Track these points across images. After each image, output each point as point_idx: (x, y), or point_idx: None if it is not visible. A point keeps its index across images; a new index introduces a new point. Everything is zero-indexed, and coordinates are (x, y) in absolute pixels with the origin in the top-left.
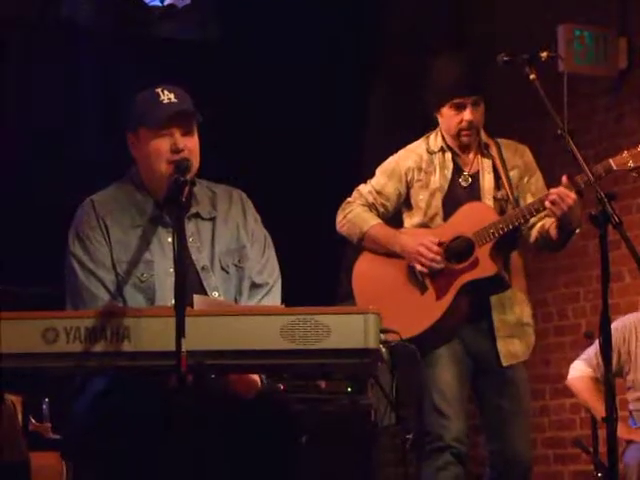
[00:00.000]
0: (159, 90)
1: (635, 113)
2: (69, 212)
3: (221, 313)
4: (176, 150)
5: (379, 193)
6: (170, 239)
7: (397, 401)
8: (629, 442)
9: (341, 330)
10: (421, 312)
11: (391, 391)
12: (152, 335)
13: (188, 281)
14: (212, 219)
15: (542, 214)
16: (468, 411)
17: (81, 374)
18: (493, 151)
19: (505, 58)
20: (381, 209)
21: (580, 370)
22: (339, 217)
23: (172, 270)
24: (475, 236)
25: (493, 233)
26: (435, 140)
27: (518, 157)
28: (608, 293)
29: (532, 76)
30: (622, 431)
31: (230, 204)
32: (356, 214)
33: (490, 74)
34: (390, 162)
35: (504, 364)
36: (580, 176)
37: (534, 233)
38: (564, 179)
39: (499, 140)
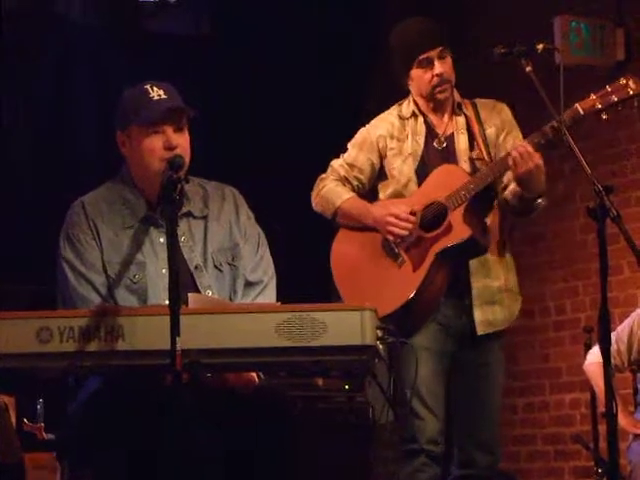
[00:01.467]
0: (148, 86)
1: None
2: (64, 209)
3: (216, 311)
4: (169, 147)
5: (351, 166)
6: (162, 239)
7: (395, 398)
8: (636, 436)
9: (337, 327)
10: (397, 287)
11: (389, 388)
12: (146, 334)
13: (181, 281)
14: (204, 217)
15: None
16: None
17: (75, 374)
18: (468, 110)
19: (502, 50)
20: (355, 182)
21: (599, 356)
22: (313, 194)
23: (164, 271)
24: (447, 200)
25: (464, 195)
26: (407, 106)
27: (495, 115)
28: (607, 287)
29: (528, 68)
30: (628, 424)
31: (222, 202)
32: (329, 189)
33: (489, 67)
34: (361, 133)
35: (479, 333)
36: (549, 126)
37: (507, 195)
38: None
39: (476, 100)
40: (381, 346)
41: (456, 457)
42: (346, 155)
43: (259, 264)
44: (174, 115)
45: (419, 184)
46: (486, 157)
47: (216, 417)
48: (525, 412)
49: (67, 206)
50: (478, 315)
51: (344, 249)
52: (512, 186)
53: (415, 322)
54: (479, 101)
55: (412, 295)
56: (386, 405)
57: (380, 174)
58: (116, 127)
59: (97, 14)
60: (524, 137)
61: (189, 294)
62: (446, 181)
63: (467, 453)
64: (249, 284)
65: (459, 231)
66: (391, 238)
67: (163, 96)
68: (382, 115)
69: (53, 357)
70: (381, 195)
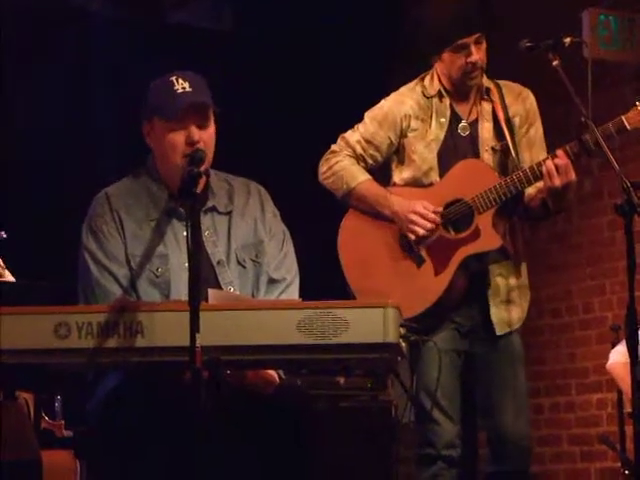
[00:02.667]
0: (173, 78)
1: None
2: (87, 202)
3: (236, 307)
4: (191, 143)
5: (368, 142)
6: (185, 232)
7: (417, 397)
8: None
9: (360, 324)
10: (418, 290)
11: (411, 387)
12: (166, 330)
13: (203, 276)
14: (229, 213)
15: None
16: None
17: (94, 370)
18: (494, 95)
19: (528, 44)
20: (370, 160)
21: (624, 354)
22: (323, 168)
23: (187, 265)
24: (475, 201)
25: (495, 199)
26: (431, 83)
27: (520, 102)
28: (634, 285)
29: (555, 62)
30: None
31: (248, 198)
32: (343, 166)
33: (512, 59)
34: (382, 107)
35: (498, 333)
36: (589, 135)
37: (529, 200)
38: (560, 151)
39: (501, 82)
40: (404, 344)
41: (489, 454)
42: (363, 129)
43: (283, 262)
44: (197, 109)
45: (440, 172)
46: (512, 149)
47: (235, 416)
48: (551, 412)
49: (83, 204)
50: (495, 314)
51: (355, 236)
52: (533, 190)
53: (431, 324)
54: (504, 84)
55: (439, 297)
56: (408, 404)
57: (396, 154)
58: (142, 117)
59: (117, 6)
60: (547, 134)
61: (209, 290)
62: (472, 178)
63: (500, 447)
64: (272, 281)
65: (489, 239)
66: (412, 237)
67: (188, 89)
68: (404, 90)
69: (71, 353)
70: (396, 177)
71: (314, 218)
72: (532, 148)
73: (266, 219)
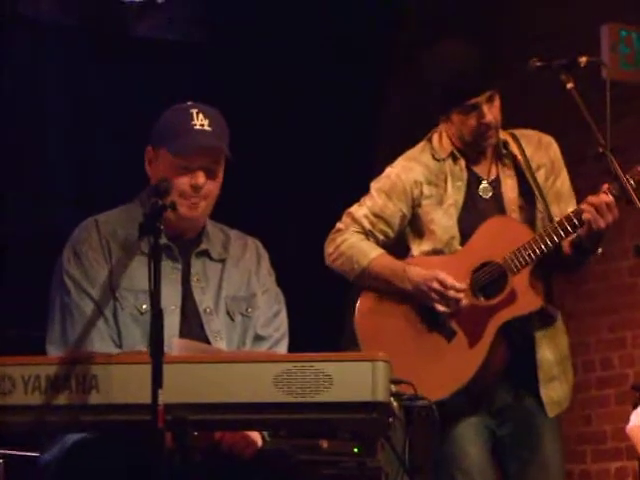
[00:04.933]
0: (194, 112)
1: None
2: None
3: (205, 360)
4: (195, 188)
5: (378, 217)
6: (174, 276)
7: (411, 465)
8: None
9: (345, 380)
10: (451, 367)
11: (404, 452)
12: (124, 385)
13: (188, 324)
14: (222, 261)
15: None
16: None
17: (41, 431)
18: (513, 148)
19: (538, 63)
20: (381, 236)
21: None
22: (329, 249)
23: (174, 308)
24: (506, 261)
25: (530, 255)
26: (440, 144)
27: (543, 152)
28: None
29: (569, 85)
30: None
31: (244, 250)
32: (351, 245)
33: (522, 79)
34: (389, 176)
35: (550, 415)
36: (613, 186)
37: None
38: (605, 187)
39: (516, 132)
40: (396, 403)
41: None
42: (370, 203)
43: (272, 320)
44: (211, 154)
45: (462, 241)
46: (541, 205)
47: None
48: None
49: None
50: (545, 393)
51: (373, 318)
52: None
53: (462, 408)
54: (521, 134)
55: (477, 369)
56: (401, 472)
57: (411, 227)
58: (150, 140)
59: (71, 14)
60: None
61: (174, 339)
62: (500, 237)
63: None
64: (259, 338)
65: (527, 300)
66: (440, 309)
67: (207, 128)
68: (411, 154)
69: (15, 411)
70: (415, 252)
71: (299, 255)
72: (561, 201)
73: (260, 274)
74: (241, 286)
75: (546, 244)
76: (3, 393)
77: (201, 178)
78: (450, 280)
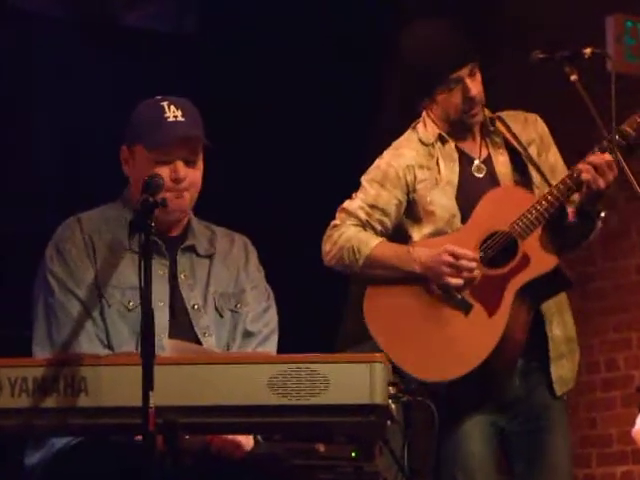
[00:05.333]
0: (165, 104)
1: None
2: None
3: (197, 361)
4: (176, 180)
5: (373, 207)
6: (161, 272)
7: (410, 469)
8: None
9: (342, 382)
10: (473, 339)
11: (403, 456)
12: (114, 388)
13: (177, 321)
14: (209, 256)
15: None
16: None
17: (29, 434)
18: (501, 127)
19: (540, 55)
20: (378, 227)
21: None
22: (327, 246)
23: (162, 304)
24: (514, 228)
25: (537, 218)
26: (426, 130)
27: (531, 129)
28: None
29: (573, 77)
30: None
31: (231, 246)
32: (349, 237)
33: (524, 71)
34: (378, 166)
35: (558, 393)
36: (629, 123)
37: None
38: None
39: (501, 114)
40: (394, 406)
41: None
42: (363, 195)
43: (262, 316)
44: (188, 144)
45: (462, 219)
46: (536, 179)
47: None
48: None
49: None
50: (555, 371)
51: (384, 307)
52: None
53: (498, 381)
54: (505, 114)
55: (496, 343)
56: (400, 476)
57: (408, 214)
58: (124, 140)
59: (61, 4)
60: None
61: (166, 340)
62: (503, 206)
63: None
64: (248, 334)
65: (542, 261)
66: (453, 282)
67: (180, 118)
68: (398, 143)
69: (2, 414)
70: (416, 237)
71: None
72: (555, 174)
73: (249, 270)
74: (230, 282)
75: (551, 203)
76: None
77: (181, 169)
78: (461, 250)
